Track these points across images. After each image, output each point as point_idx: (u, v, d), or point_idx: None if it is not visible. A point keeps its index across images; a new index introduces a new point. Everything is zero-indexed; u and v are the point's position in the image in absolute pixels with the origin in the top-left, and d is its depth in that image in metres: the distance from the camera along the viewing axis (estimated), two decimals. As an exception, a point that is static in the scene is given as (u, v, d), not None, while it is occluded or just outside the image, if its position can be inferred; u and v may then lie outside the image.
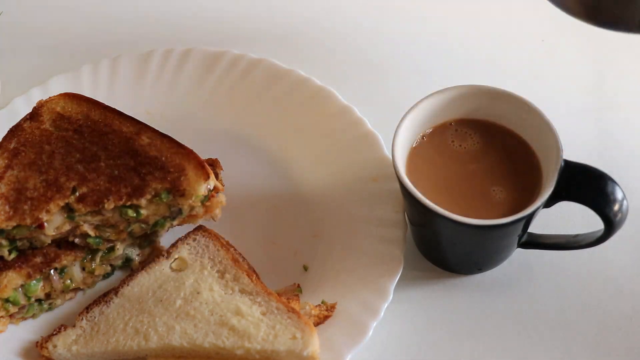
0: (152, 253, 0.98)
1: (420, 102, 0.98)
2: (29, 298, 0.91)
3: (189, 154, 0.94)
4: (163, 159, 0.94)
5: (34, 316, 0.93)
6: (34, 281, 0.91)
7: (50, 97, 0.99)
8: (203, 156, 0.95)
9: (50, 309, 0.94)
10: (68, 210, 0.90)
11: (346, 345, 0.88)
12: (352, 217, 0.99)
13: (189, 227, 0.97)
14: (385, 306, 0.90)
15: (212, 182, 0.92)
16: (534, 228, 0.94)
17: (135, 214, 0.91)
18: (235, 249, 0.95)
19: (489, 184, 0.96)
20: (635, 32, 0.80)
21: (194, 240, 0.94)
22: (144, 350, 0.87)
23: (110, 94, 1.09)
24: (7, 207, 0.89)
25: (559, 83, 1.12)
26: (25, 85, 1.10)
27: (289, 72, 1.10)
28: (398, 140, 0.95)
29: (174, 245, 0.95)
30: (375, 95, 1.13)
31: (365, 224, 0.97)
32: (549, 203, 0.91)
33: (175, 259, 0.93)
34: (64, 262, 0.92)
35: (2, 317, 0.91)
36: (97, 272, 0.94)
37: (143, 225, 0.93)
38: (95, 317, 0.89)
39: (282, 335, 0.86)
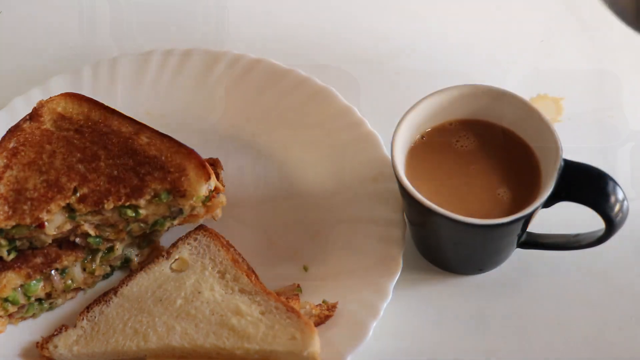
0: (152, 253, 0.98)
1: (419, 102, 0.99)
2: (28, 298, 0.91)
3: (190, 153, 0.94)
4: (163, 158, 0.94)
5: (34, 316, 0.94)
6: (34, 281, 0.91)
7: (51, 97, 1.00)
8: (203, 156, 0.95)
9: (51, 308, 0.94)
10: (69, 210, 0.90)
11: (346, 345, 0.88)
12: (352, 217, 0.99)
13: (188, 227, 0.97)
14: (385, 306, 0.90)
15: (212, 183, 0.93)
16: (534, 228, 0.94)
17: (134, 214, 0.91)
18: (235, 249, 0.96)
19: (488, 184, 0.96)
20: None
21: (195, 240, 0.95)
22: (143, 351, 0.87)
23: (110, 95, 1.09)
24: (6, 207, 0.90)
25: (558, 83, 1.11)
26: (25, 86, 1.10)
27: (289, 71, 1.10)
28: (397, 140, 0.95)
29: (174, 245, 0.95)
30: (375, 94, 1.13)
31: (365, 224, 0.98)
32: (548, 203, 0.92)
33: (176, 260, 0.93)
34: (65, 263, 0.92)
35: (0, 317, 0.91)
36: (97, 273, 0.95)
37: (142, 225, 0.93)
38: (95, 317, 0.90)
39: (281, 336, 0.86)
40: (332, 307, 0.90)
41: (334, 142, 1.05)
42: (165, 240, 0.99)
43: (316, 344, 0.85)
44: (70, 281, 0.93)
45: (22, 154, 0.94)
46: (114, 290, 0.92)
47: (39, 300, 0.92)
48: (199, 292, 0.90)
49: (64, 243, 0.93)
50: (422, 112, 1.01)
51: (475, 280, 0.96)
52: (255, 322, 0.87)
